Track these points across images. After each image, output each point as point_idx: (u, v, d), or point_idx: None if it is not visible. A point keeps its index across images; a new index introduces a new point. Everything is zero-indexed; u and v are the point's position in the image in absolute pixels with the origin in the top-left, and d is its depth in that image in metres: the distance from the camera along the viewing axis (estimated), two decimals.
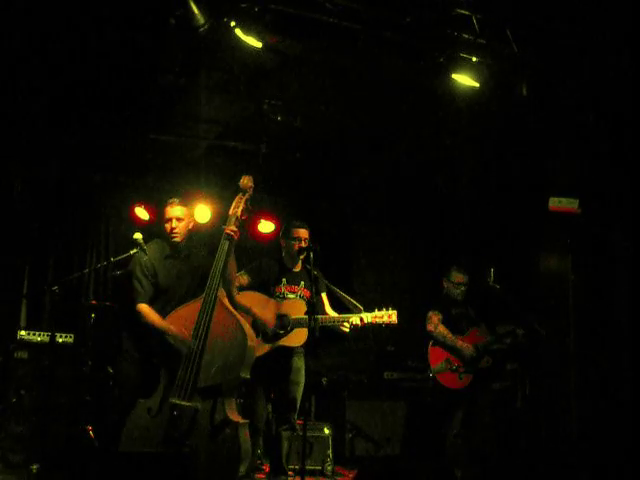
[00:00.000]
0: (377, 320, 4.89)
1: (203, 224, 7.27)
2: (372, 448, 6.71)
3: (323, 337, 4.80)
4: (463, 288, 5.71)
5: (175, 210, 4.63)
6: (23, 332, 5.93)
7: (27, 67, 5.52)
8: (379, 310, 4.92)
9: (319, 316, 4.81)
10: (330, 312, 5.09)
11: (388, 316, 4.90)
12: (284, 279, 5.06)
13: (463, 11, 5.21)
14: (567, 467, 5.44)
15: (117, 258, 4.58)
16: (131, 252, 4.64)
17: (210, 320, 4.27)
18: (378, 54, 5.43)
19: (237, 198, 4.51)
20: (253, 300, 4.94)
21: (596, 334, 5.57)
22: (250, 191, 4.52)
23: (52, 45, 5.29)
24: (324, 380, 6.94)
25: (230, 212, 4.47)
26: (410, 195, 7.98)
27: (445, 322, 5.62)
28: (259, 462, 5.87)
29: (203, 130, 6.95)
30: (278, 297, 5.01)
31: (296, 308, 4.92)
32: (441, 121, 6.53)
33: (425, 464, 5.63)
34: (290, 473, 5.20)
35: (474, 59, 5.40)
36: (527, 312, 5.50)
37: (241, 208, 4.46)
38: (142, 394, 4.29)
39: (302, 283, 5.08)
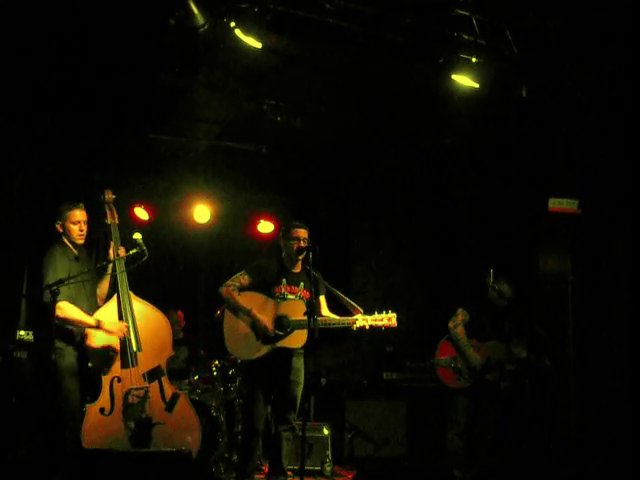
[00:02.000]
0: (377, 323, 4.88)
1: (202, 224, 7.30)
2: (371, 449, 6.71)
3: (322, 338, 4.80)
4: (506, 302, 5.61)
5: (84, 214, 4.85)
6: (22, 332, 5.92)
7: (27, 66, 5.51)
8: (379, 313, 4.90)
9: (319, 318, 4.79)
10: (327, 314, 5.08)
11: (388, 319, 4.89)
12: (284, 280, 5.02)
13: (463, 12, 5.21)
14: (566, 467, 5.44)
15: (117, 258, 4.57)
16: (131, 252, 4.64)
17: (133, 312, 4.73)
18: (378, 55, 5.43)
19: (108, 209, 4.99)
20: (253, 301, 4.94)
21: (595, 335, 5.56)
22: (113, 202, 5.06)
23: (52, 44, 5.29)
24: (323, 380, 6.94)
25: (109, 221, 4.96)
26: (410, 195, 7.98)
27: (471, 324, 5.60)
28: (258, 462, 5.86)
29: (203, 130, 6.95)
30: (278, 297, 4.98)
31: (295, 309, 4.90)
32: (441, 121, 6.54)
33: (424, 464, 5.65)
34: (289, 473, 5.21)
35: (474, 60, 5.39)
36: (526, 313, 5.49)
37: (116, 216, 4.99)
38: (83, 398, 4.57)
39: (302, 284, 5.04)
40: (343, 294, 5.14)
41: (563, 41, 5.41)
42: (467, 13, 5.24)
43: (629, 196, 5.42)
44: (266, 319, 4.87)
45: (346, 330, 4.97)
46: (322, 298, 5.10)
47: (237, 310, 4.92)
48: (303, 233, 5.03)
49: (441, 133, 6.86)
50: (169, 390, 4.70)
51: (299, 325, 4.82)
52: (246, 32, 4.92)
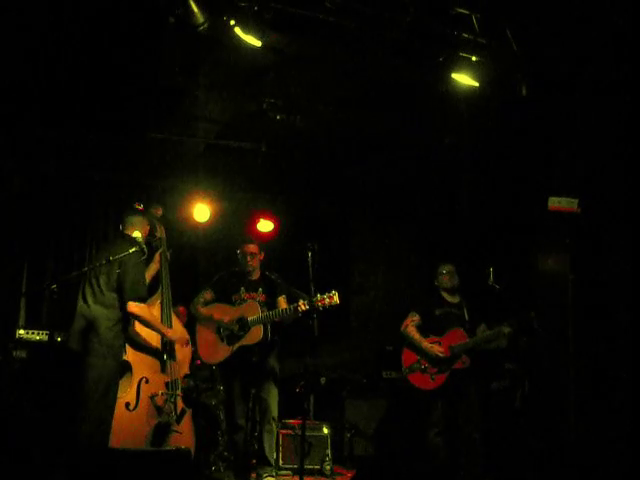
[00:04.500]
0: (318, 304, 5.09)
1: (202, 223, 7.30)
2: (371, 447, 6.71)
3: (322, 335, 4.89)
4: (451, 275, 5.67)
5: None
6: (22, 331, 5.94)
7: (27, 66, 5.51)
8: (321, 295, 5.11)
9: (265, 313, 5.30)
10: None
11: (329, 297, 5.11)
12: (242, 287, 5.52)
13: (463, 10, 5.21)
14: (566, 467, 5.43)
15: (116, 257, 4.57)
16: (130, 251, 4.65)
17: (172, 325, 4.96)
18: (378, 53, 5.43)
19: (157, 223, 5.19)
20: (215, 309, 5.47)
21: (595, 334, 5.56)
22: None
23: (52, 43, 5.29)
24: (322, 380, 6.94)
25: (162, 235, 5.18)
26: (410, 194, 7.98)
27: (427, 323, 5.60)
28: (254, 462, 5.87)
29: (202, 129, 6.95)
30: (237, 303, 5.48)
31: (251, 310, 5.36)
32: (441, 120, 6.53)
33: (422, 463, 5.65)
34: (289, 472, 5.35)
35: (474, 58, 5.40)
36: (526, 311, 5.47)
37: (164, 230, 5.23)
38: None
39: (260, 290, 5.53)
40: (342, 292, 5.24)
41: (563, 39, 5.40)
42: (467, 12, 5.24)
43: (629, 194, 5.42)
44: (226, 321, 5.39)
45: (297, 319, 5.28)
46: (282, 298, 5.50)
47: (203, 320, 5.48)
48: (250, 248, 5.55)
49: (441, 132, 6.86)
50: (180, 404, 4.88)
51: (254, 322, 5.31)
52: (246, 30, 4.92)
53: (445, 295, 5.69)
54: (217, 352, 5.41)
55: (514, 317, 5.41)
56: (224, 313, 5.43)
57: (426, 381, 5.48)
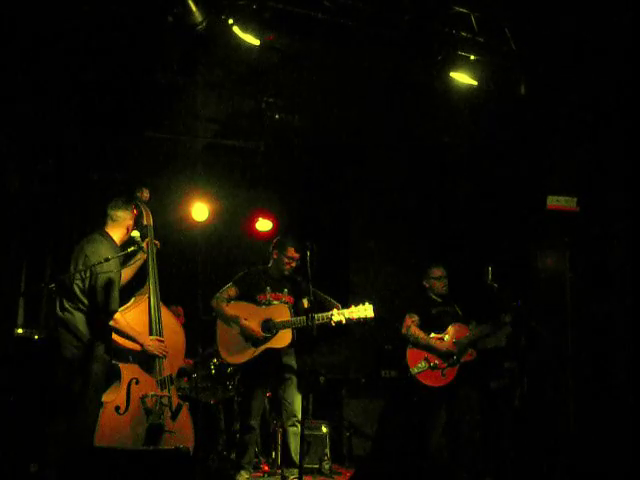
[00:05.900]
0: (353, 315, 5.12)
1: (201, 222, 7.29)
2: (369, 446, 6.70)
3: (321, 335, 4.91)
4: (445, 281, 5.68)
5: None
6: (20, 330, 5.93)
7: (25, 65, 5.51)
8: (355, 306, 5.15)
9: (296, 318, 5.21)
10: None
11: (364, 310, 5.13)
12: (268, 287, 5.37)
13: (461, 9, 5.22)
14: (565, 467, 5.43)
15: (115, 256, 4.57)
16: (129, 250, 4.65)
17: (161, 318, 4.75)
18: (376, 52, 5.43)
19: (144, 209, 4.90)
20: (241, 309, 5.29)
21: (594, 332, 5.56)
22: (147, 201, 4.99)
23: (50, 43, 5.28)
24: (322, 379, 6.93)
25: (148, 222, 4.87)
26: (409, 194, 7.97)
27: (425, 322, 5.59)
28: (257, 460, 5.87)
29: (201, 128, 6.95)
30: (263, 304, 5.33)
31: (280, 312, 5.26)
32: (439, 119, 6.53)
33: (421, 463, 5.65)
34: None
35: (472, 57, 5.42)
36: (516, 303, 5.46)
37: (151, 216, 4.92)
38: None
39: (285, 290, 5.40)
40: (340, 291, 5.22)
41: (562, 38, 5.41)
42: (466, 11, 5.25)
43: (628, 193, 5.42)
44: (253, 324, 5.21)
45: (325, 327, 5.14)
46: (305, 301, 5.31)
47: (227, 320, 5.29)
48: (294, 252, 5.34)
49: (440, 131, 6.85)
50: (175, 399, 4.76)
51: (283, 326, 5.20)
52: (244, 29, 4.94)
53: (434, 297, 5.70)
54: (240, 353, 5.24)
55: (512, 309, 5.40)
56: (250, 314, 5.26)
57: (437, 378, 5.44)
